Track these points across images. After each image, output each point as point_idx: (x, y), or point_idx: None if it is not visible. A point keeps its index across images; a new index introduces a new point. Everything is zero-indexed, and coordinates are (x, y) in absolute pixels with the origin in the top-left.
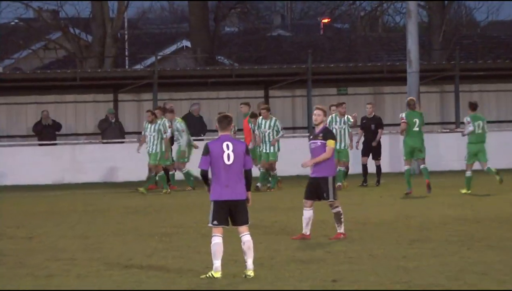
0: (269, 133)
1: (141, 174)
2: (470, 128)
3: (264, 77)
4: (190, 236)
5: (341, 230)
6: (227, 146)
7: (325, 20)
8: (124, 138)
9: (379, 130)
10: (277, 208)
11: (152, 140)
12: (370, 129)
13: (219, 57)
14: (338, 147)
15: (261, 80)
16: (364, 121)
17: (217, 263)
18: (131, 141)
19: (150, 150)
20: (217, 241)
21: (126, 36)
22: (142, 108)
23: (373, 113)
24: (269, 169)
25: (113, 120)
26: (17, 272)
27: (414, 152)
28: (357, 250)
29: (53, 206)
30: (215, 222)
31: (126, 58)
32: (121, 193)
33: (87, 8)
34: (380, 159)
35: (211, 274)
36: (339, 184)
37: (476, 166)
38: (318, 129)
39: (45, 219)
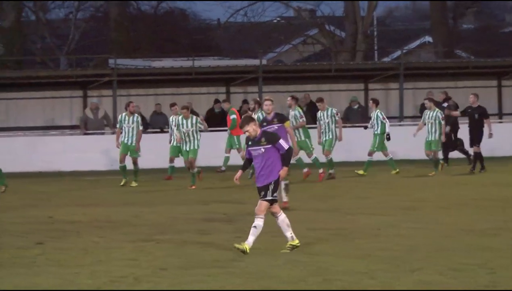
0: (328, 122)
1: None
2: None
3: (497, 68)
4: (428, 210)
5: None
6: None
7: None
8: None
9: (485, 120)
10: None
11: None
12: (474, 118)
13: (457, 51)
14: (429, 139)
15: (495, 72)
16: (469, 110)
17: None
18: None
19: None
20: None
21: (375, 32)
22: (389, 96)
23: (478, 103)
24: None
25: (355, 107)
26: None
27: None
28: None
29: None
30: None
31: (375, 52)
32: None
33: (341, 7)
34: (478, 146)
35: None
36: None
37: None
38: (270, 116)
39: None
